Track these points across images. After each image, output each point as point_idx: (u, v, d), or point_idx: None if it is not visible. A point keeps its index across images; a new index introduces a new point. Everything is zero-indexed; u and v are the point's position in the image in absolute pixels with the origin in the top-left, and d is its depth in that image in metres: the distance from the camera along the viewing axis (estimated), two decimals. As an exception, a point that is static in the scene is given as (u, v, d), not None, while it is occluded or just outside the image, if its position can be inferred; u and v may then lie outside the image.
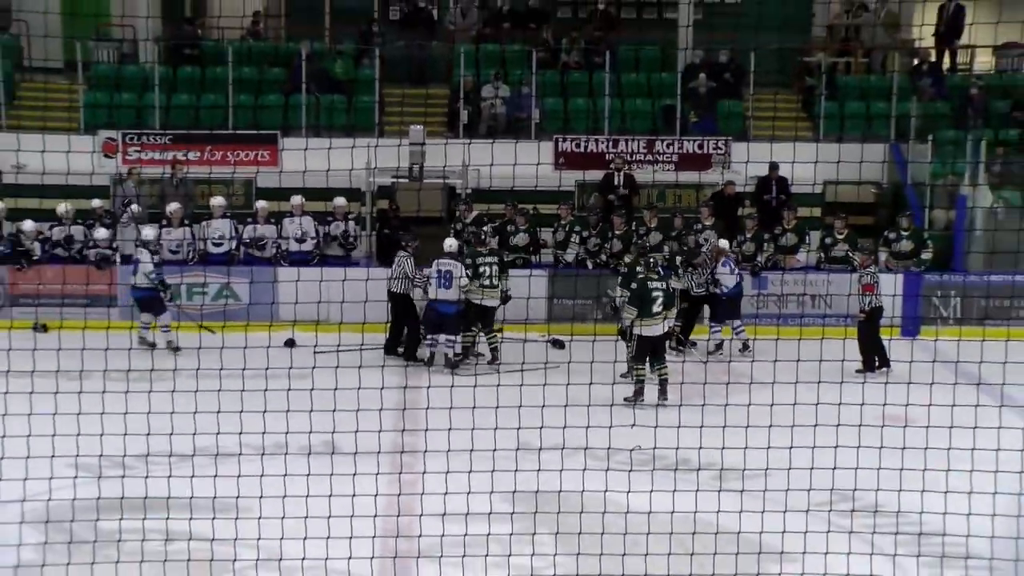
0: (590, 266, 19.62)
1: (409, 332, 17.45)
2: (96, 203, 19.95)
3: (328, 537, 8.64)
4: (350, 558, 8.79)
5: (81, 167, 17.83)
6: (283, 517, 8.68)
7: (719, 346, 17.96)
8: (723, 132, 22.57)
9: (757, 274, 19.60)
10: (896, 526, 9.96)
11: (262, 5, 25.71)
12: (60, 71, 22.94)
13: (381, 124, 22.73)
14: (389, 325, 17.26)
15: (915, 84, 23.17)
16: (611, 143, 22.21)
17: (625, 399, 14.63)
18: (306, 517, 8.63)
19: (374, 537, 9.16)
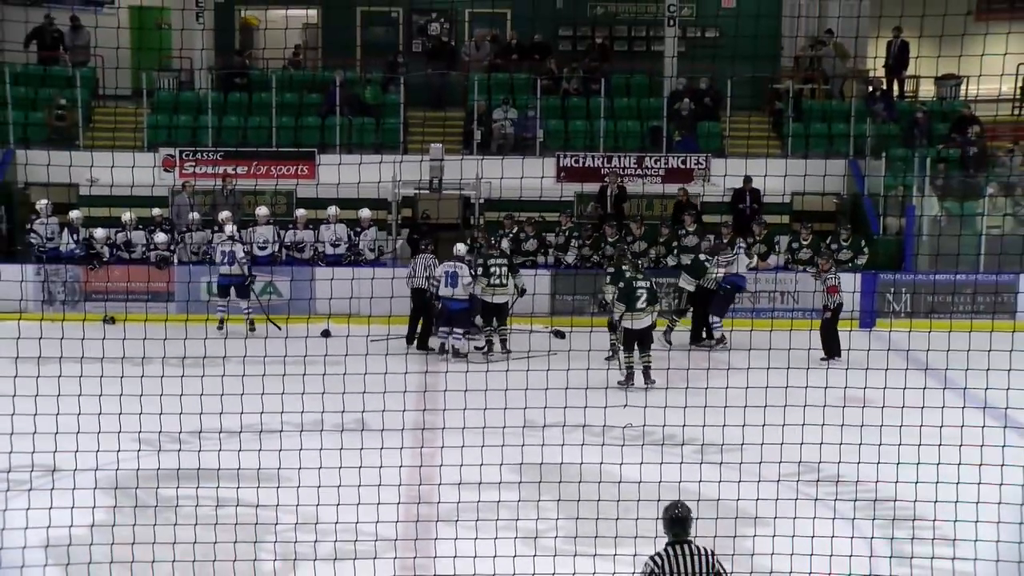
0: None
1: (423, 324, 17.39)
2: (156, 212, 19.98)
3: (358, 503, 8.59)
4: (377, 522, 8.73)
5: (144, 180, 17.92)
6: (319, 486, 8.62)
7: (721, 339, 17.51)
8: (703, 149, 22.48)
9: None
10: (855, 494, 9.94)
11: (302, 39, 25.65)
12: (128, 97, 22.94)
13: (405, 143, 22.69)
14: (410, 318, 17.26)
15: (869, 108, 23.10)
16: (605, 159, 22.16)
17: (619, 383, 14.61)
18: (339, 486, 8.58)
19: (398, 503, 9.12)
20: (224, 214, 19.55)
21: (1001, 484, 8.75)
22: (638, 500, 8.86)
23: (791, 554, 8.61)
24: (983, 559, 8.64)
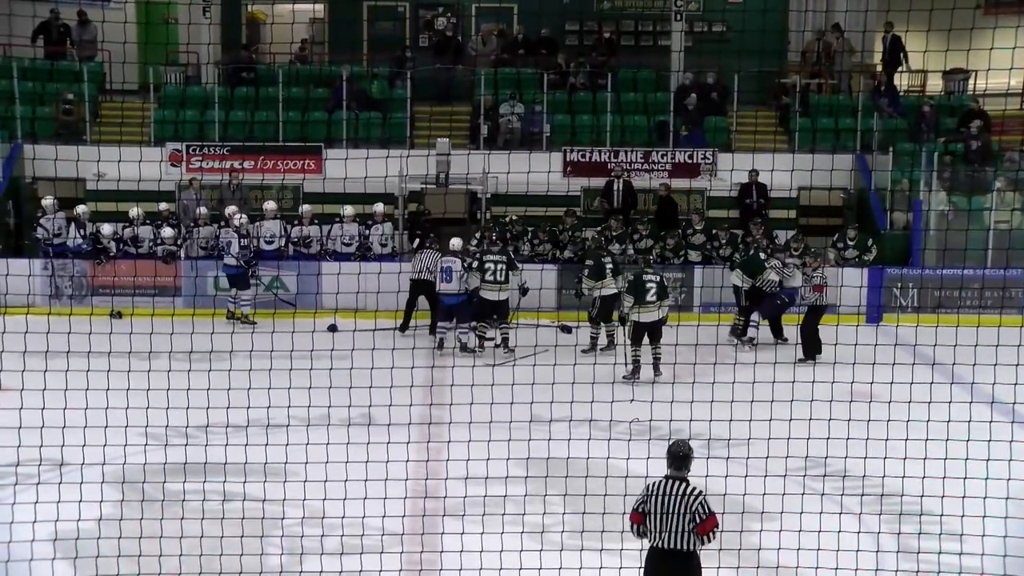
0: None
1: (431, 314, 17.43)
2: (163, 206, 19.99)
3: (365, 498, 8.61)
4: (384, 516, 8.75)
5: (151, 175, 17.96)
6: (325, 480, 8.64)
7: (751, 340, 17.09)
8: (710, 144, 22.44)
9: (734, 268, 19.59)
10: (862, 488, 9.94)
11: (308, 34, 25.65)
12: (135, 92, 22.94)
13: (412, 137, 22.66)
14: (405, 309, 17.36)
15: (875, 103, 23.07)
16: (612, 154, 22.11)
17: (624, 377, 14.67)
18: (346, 480, 8.59)
19: (405, 498, 9.15)
20: (230, 208, 19.56)
21: (1008, 479, 8.76)
22: (645, 495, 8.87)
23: (798, 549, 8.63)
24: (990, 554, 8.64)
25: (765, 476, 9.24)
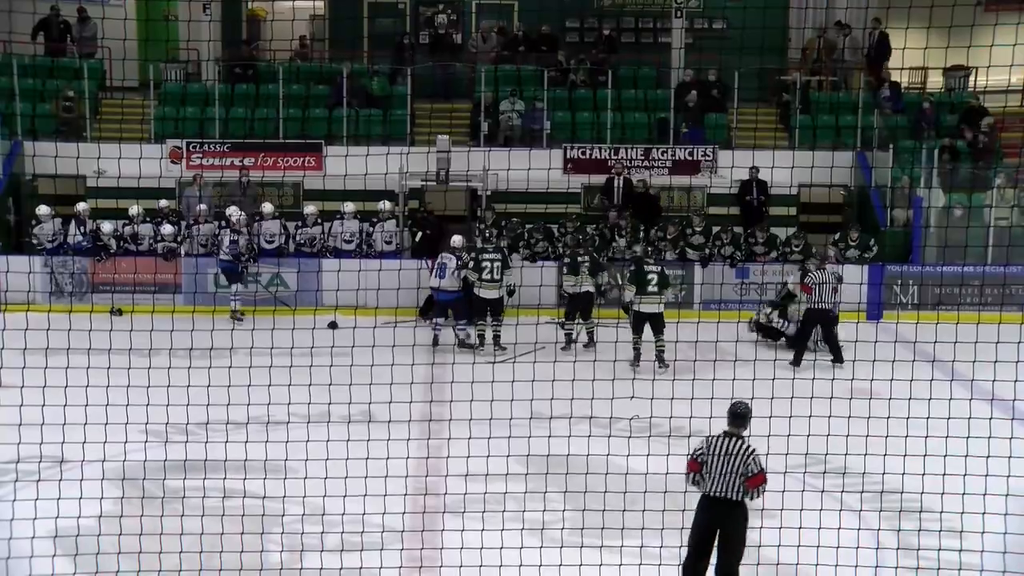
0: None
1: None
2: (163, 203, 19.98)
3: (365, 495, 8.62)
4: (384, 513, 8.75)
5: (151, 172, 17.95)
6: (326, 477, 8.64)
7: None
8: (710, 141, 22.46)
9: (735, 266, 19.65)
10: (862, 486, 9.91)
11: (308, 31, 25.66)
12: (136, 89, 22.94)
13: (412, 134, 22.67)
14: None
15: (876, 100, 23.07)
16: (612, 151, 22.13)
17: (631, 364, 15.22)
18: (346, 477, 8.60)
19: (405, 495, 9.15)
20: (230, 209, 19.62)
21: (1008, 476, 8.76)
22: (644, 492, 8.89)
23: (798, 546, 8.64)
24: (990, 551, 8.65)
25: (765, 473, 9.24)
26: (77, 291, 19.11)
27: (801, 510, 8.85)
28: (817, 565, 8.59)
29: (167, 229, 19.31)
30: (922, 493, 9.22)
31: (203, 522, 8.68)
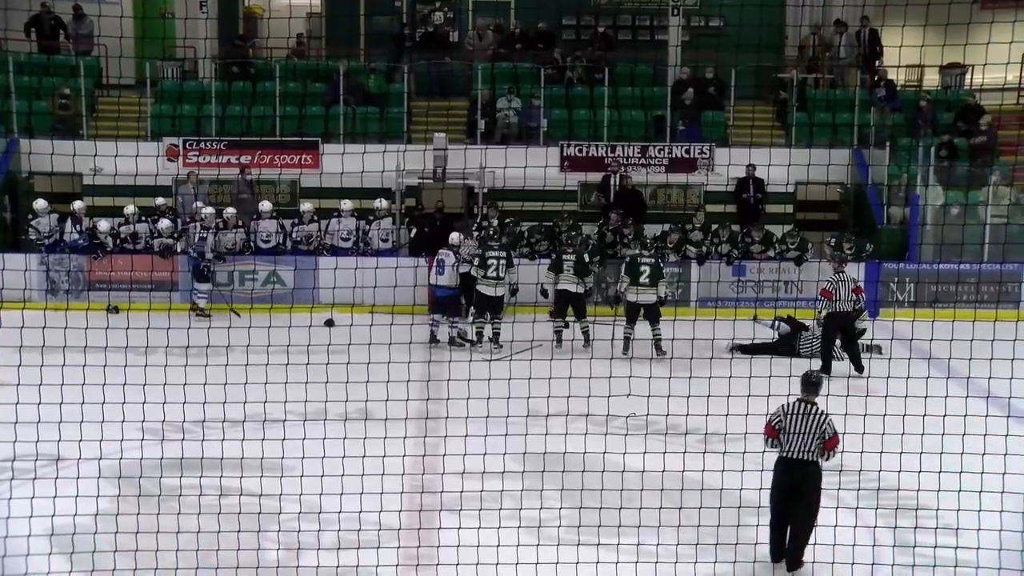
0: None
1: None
2: (159, 201, 19.99)
3: (362, 493, 8.61)
4: (381, 511, 8.76)
5: (148, 170, 17.92)
6: (322, 475, 8.64)
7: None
8: (707, 139, 22.46)
9: (731, 264, 19.66)
10: (858, 483, 9.92)
11: (305, 28, 25.65)
12: (132, 87, 22.93)
13: (409, 132, 22.68)
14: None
15: (872, 97, 23.08)
16: (609, 148, 22.13)
17: (623, 352, 15.63)
18: (343, 475, 8.60)
19: (402, 493, 9.14)
20: (228, 211, 19.67)
21: (1004, 473, 8.76)
22: (641, 489, 8.89)
23: (794, 543, 8.63)
24: (986, 548, 8.65)
25: (762, 471, 9.25)
26: (73, 289, 19.11)
27: (798, 508, 8.84)
28: (814, 563, 8.60)
29: (164, 223, 19.31)
30: (918, 490, 9.23)
31: (200, 520, 8.67)
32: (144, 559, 8.38)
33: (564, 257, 16.87)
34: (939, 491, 8.89)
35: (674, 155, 22.16)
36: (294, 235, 19.83)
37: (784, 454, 8.76)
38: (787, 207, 21.83)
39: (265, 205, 20.01)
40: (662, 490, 8.96)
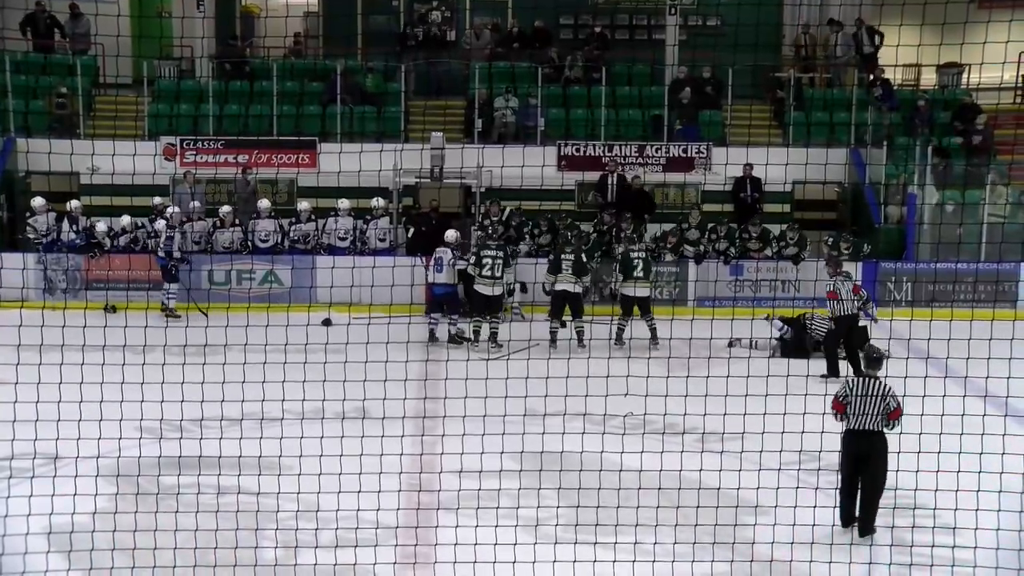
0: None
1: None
2: (156, 200, 19.98)
3: (359, 491, 8.60)
4: (378, 509, 8.75)
5: (145, 169, 17.90)
6: (320, 474, 8.63)
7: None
8: (704, 138, 22.47)
9: (729, 262, 19.69)
10: (855, 482, 9.93)
11: (303, 27, 25.64)
12: (129, 86, 22.93)
13: (406, 131, 22.68)
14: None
15: (870, 97, 23.09)
16: (607, 148, 22.14)
17: (614, 343, 15.98)
18: (340, 474, 8.60)
19: (399, 491, 9.15)
20: (224, 209, 19.73)
21: (1001, 472, 8.77)
22: (639, 488, 8.89)
23: (792, 543, 8.64)
24: (983, 547, 8.66)
25: (759, 470, 9.28)
26: (71, 288, 19.10)
27: (795, 507, 8.86)
28: (811, 562, 8.60)
29: (160, 224, 19.29)
30: (916, 489, 9.25)
31: (198, 518, 8.68)
32: (142, 557, 8.38)
33: (563, 257, 16.86)
34: (936, 490, 8.90)
35: (671, 154, 22.18)
36: (291, 234, 19.84)
37: (851, 426, 9.32)
38: (784, 206, 21.85)
39: (264, 204, 20.01)
40: (659, 489, 8.96)
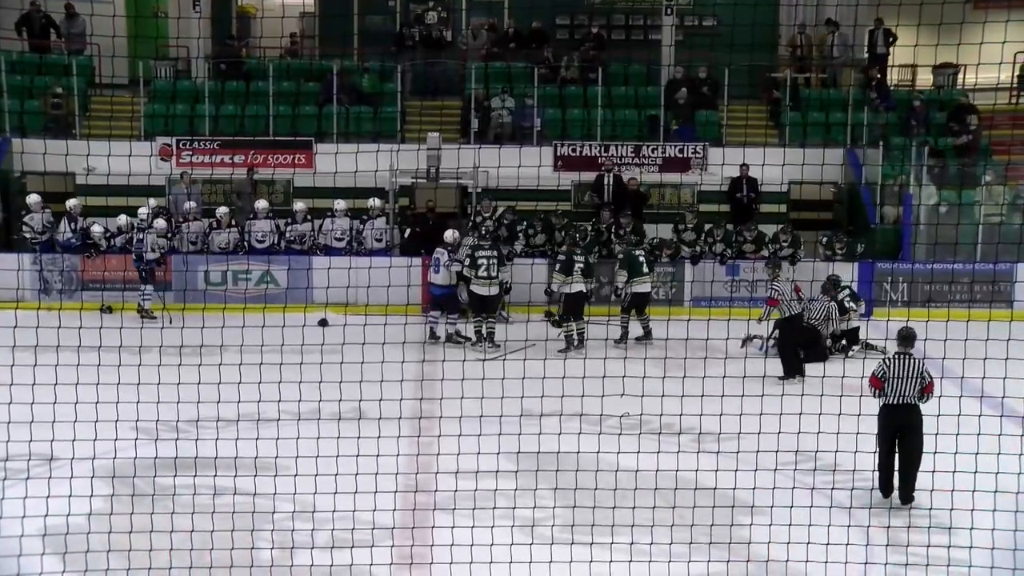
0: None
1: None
2: (152, 202, 19.92)
3: (356, 492, 8.61)
4: (375, 510, 8.75)
5: (141, 169, 17.93)
6: (316, 474, 8.64)
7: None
8: (701, 138, 22.47)
9: (725, 263, 19.70)
10: (852, 482, 9.96)
11: (299, 27, 25.63)
12: (125, 86, 22.88)
13: (402, 131, 22.67)
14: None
15: (866, 97, 23.11)
16: (603, 148, 22.13)
17: (615, 342, 16.13)
18: (336, 474, 8.60)
19: (396, 492, 9.15)
20: (221, 210, 19.67)
21: (997, 473, 8.78)
22: (635, 488, 8.90)
23: (787, 543, 8.64)
24: (979, 547, 8.67)
25: (755, 470, 9.27)
26: (67, 288, 19.07)
27: (791, 507, 8.86)
28: (807, 562, 8.60)
29: (159, 224, 19.26)
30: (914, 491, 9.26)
31: (193, 520, 8.68)
32: (138, 559, 8.37)
33: (575, 258, 16.71)
34: (932, 490, 8.93)
35: (668, 154, 22.18)
36: (287, 235, 19.82)
37: (890, 401, 9.89)
38: (781, 206, 21.86)
39: (261, 204, 20.00)
40: (656, 489, 8.98)
